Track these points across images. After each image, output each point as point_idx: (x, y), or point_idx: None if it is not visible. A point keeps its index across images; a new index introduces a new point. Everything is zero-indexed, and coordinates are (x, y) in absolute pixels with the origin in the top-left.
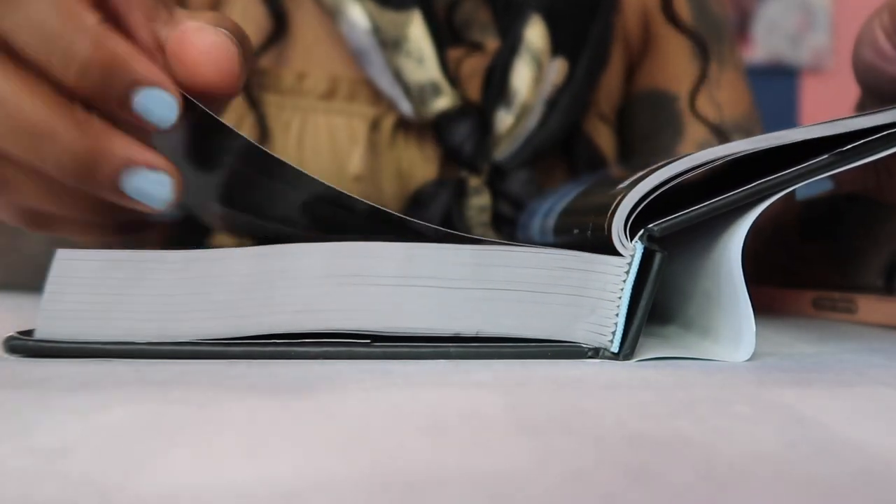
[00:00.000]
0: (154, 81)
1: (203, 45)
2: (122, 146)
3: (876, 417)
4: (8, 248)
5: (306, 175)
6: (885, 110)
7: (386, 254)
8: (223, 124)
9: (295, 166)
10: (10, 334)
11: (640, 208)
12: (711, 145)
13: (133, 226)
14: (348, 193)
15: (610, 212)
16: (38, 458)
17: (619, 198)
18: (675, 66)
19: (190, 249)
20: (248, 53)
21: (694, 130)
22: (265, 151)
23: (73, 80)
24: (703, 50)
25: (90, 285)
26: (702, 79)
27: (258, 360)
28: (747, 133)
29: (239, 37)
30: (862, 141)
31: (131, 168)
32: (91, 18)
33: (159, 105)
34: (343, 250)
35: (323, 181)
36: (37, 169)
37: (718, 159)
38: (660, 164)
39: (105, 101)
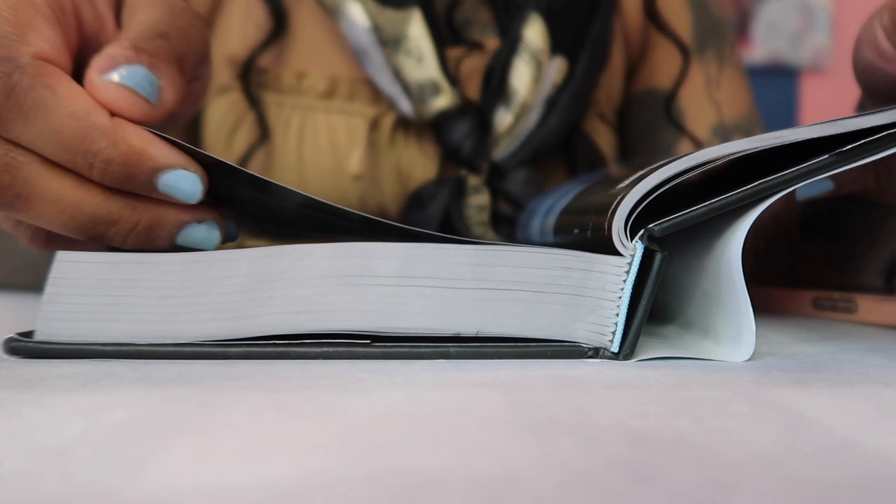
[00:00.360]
0: (173, 164)
1: (106, 97)
2: (175, 212)
3: (876, 417)
4: (3, 248)
5: (296, 192)
6: (885, 110)
7: (386, 254)
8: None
9: (281, 185)
10: (10, 335)
11: (640, 208)
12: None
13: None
14: (341, 207)
15: (610, 212)
16: (39, 458)
17: (620, 198)
18: (674, 66)
19: (189, 251)
20: (181, 13)
21: (695, 130)
22: (249, 174)
23: (99, 177)
24: (686, 55)
25: (90, 287)
26: (679, 82)
27: (258, 360)
28: (747, 133)
29: (161, 16)
30: (862, 141)
31: (185, 225)
32: (103, 117)
33: (184, 183)
34: (343, 250)
35: (313, 196)
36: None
37: (718, 159)
38: (660, 163)
39: (133, 189)
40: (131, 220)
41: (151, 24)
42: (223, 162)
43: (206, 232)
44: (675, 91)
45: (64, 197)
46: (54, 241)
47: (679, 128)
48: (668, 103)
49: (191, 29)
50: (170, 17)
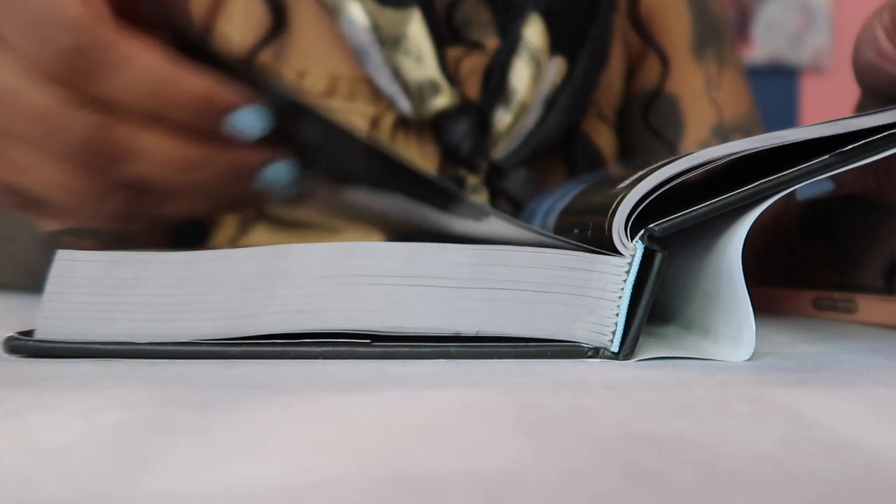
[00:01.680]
0: (238, 103)
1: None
2: (255, 151)
3: (876, 417)
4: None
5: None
6: (885, 110)
7: (386, 253)
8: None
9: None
10: (11, 334)
11: (640, 208)
12: (712, 145)
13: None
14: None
15: (610, 212)
16: (38, 457)
17: (620, 198)
18: (674, 67)
19: (190, 250)
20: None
21: (696, 131)
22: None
23: (174, 121)
24: (665, 63)
25: (90, 286)
26: (656, 94)
27: (258, 360)
28: (747, 133)
29: None
30: (863, 141)
31: (265, 163)
32: (167, 67)
33: (249, 119)
34: (343, 250)
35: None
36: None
37: (719, 159)
38: (660, 163)
39: (205, 130)
40: (220, 162)
41: None
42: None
43: (286, 167)
44: (654, 97)
45: (155, 148)
46: (140, 210)
47: (656, 134)
48: (645, 109)
49: None
50: None
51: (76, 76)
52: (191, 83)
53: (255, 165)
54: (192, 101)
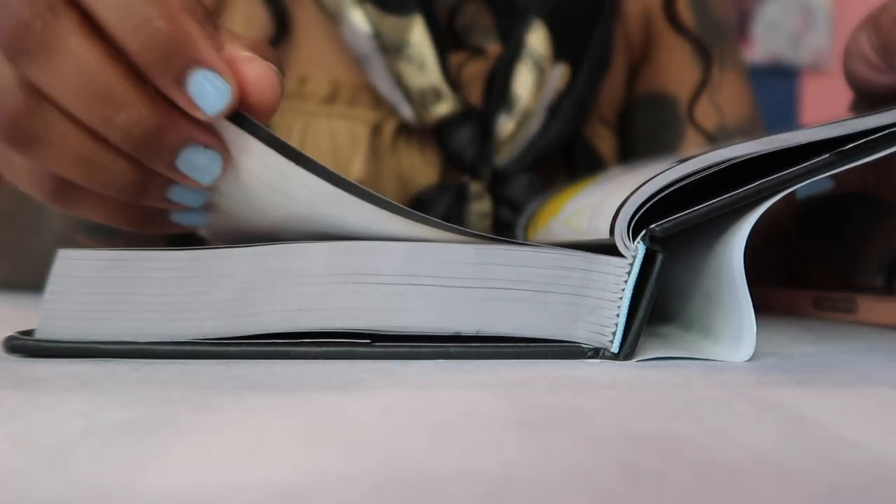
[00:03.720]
0: (214, 65)
1: (253, 75)
2: (186, 123)
3: (876, 417)
4: (16, 247)
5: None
6: (886, 111)
7: (388, 252)
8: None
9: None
10: (11, 334)
11: (643, 210)
12: (710, 147)
13: (155, 219)
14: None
15: (613, 213)
16: (38, 458)
17: (624, 199)
18: (676, 69)
19: (191, 249)
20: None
21: (694, 134)
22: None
23: (137, 46)
24: (706, 54)
25: (91, 285)
26: (704, 85)
27: (258, 359)
28: (749, 135)
29: (277, 64)
30: (862, 140)
31: (191, 143)
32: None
33: (213, 90)
34: (344, 249)
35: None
36: (91, 128)
37: (724, 162)
38: (666, 167)
39: (162, 75)
40: (143, 113)
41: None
42: (277, 139)
43: (207, 160)
44: (697, 96)
45: (88, 60)
46: (24, 126)
47: (683, 131)
48: (689, 108)
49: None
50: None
51: (14, 52)
52: (185, 18)
53: (179, 137)
54: (176, 31)
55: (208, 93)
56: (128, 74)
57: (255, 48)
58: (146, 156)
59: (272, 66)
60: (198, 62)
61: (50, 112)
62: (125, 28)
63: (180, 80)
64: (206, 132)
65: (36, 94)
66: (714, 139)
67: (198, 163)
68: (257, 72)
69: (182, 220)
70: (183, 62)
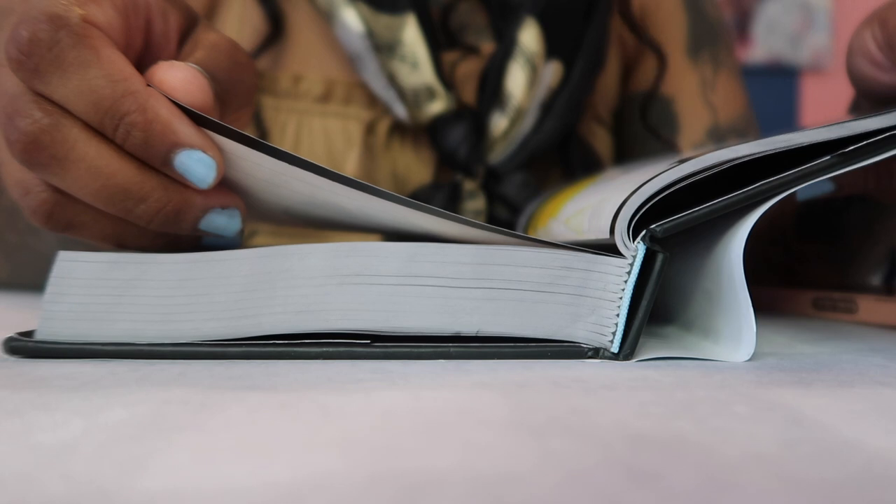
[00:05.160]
0: (193, 144)
1: (176, 80)
2: (200, 195)
3: (876, 417)
4: (20, 246)
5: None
6: (888, 112)
7: (388, 252)
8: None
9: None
10: (11, 335)
11: (643, 210)
12: (709, 147)
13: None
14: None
15: (613, 213)
16: (39, 457)
17: (624, 199)
18: (672, 67)
19: (190, 251)
20: (240, 66)
21: (690, 132)
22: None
23: (121, 140)
24: (662, 60)
25: (91, 286)
26: (652, 94)
27: (258, 360)
28: (742, 135)
29: (274, 64)
30: (864, 143)
31: (209, 211)
32: (139, 84)
33: (199, 165)
34: (344, 250)
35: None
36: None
37: (725, 163)
38: (666, 167)
39: (150, 160)
40: (161, 200)
41: (204, 64)
42: (249, 137)
43: (228, 219)
44: (649, 98)
45: (100, 164)
46: (56, 218)
47: (653, 133)
48: (642, 109)
49: (241, 74)
50: (226, 62)
51: (26, 70)
52: (157, 104)
53: (198, 211)
54: (149, 122)
55: (195, 169)
56: (139, 166)
57: (224, 50)
58: (171, 230)
59: (196, 67)
60: (176, 145)
61: (78, 204)
62: (106, 128)
63: (167, 163)
64: (221, 196)
65: (61, 192)
66: (671, 147)
67: (218, 224)
68: (180, 76)
69: (213, 241)
70: (162, 148)
